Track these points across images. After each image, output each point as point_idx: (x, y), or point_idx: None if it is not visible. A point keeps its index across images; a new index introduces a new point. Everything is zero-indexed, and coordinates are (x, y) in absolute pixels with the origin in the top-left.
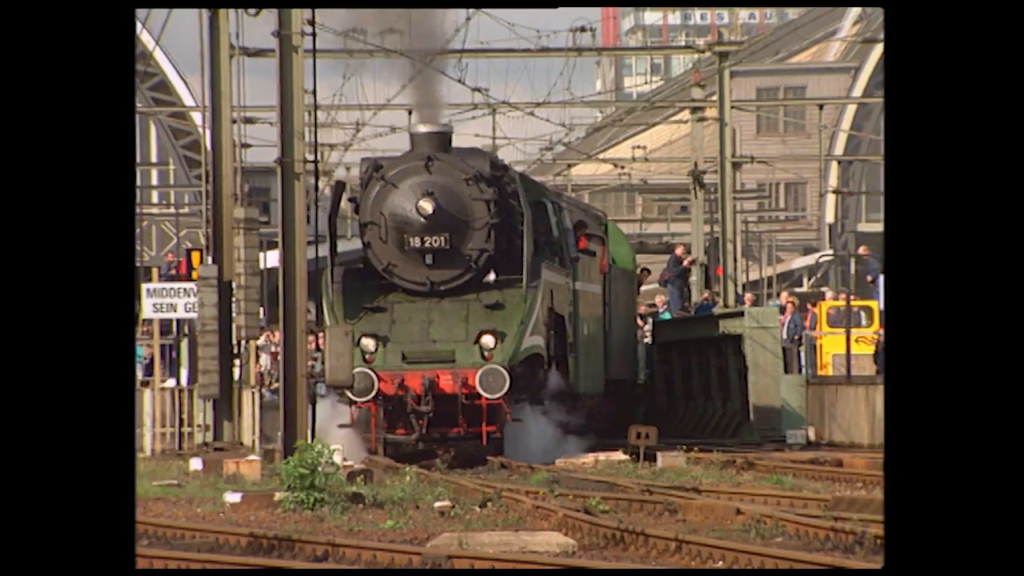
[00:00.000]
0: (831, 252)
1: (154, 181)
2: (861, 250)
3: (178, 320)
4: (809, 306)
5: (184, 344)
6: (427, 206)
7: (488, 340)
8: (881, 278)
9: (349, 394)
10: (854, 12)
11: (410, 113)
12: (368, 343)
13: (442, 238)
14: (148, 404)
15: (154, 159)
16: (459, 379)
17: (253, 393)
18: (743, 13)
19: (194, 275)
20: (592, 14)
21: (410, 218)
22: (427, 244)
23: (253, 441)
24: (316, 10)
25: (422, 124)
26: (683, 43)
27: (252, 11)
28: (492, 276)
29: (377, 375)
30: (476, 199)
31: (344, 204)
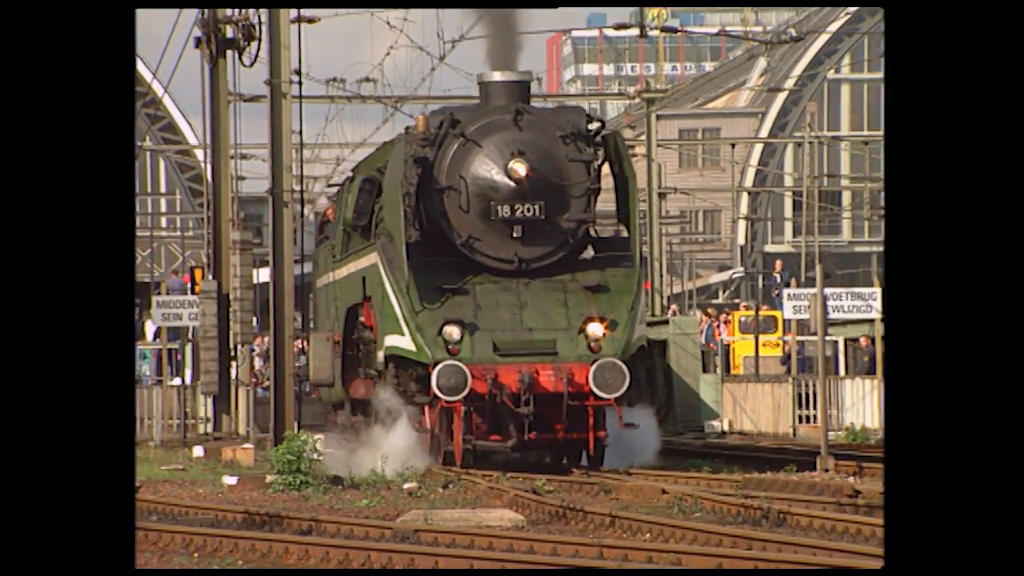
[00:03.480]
0: (742, 269)
1: (163, 208)
2: (777, 265)
3: (183, 327)
4: (709, 316)
5: (188, 348)
6: (520, 168)
7: (596, 329)
8: (785, 291)
9: (438, 392)
10: (760, 65)
11: None
12: (452, 331)
13: (536, 207)
14: (157, 400)
15: (163, 190)
16: (563, 375)
17: (248, 390)
18: (667, 66)
19: (197, 289)
20: (539, 65)
21: (498, 182)
22: (518, 213)
23: (248, 431)
24: (304, 55)
25: (498, 71)
26: (616, 91)
27: (247, 63)
28: (590, 252)
29: (469, 370)
30: (574, 160)
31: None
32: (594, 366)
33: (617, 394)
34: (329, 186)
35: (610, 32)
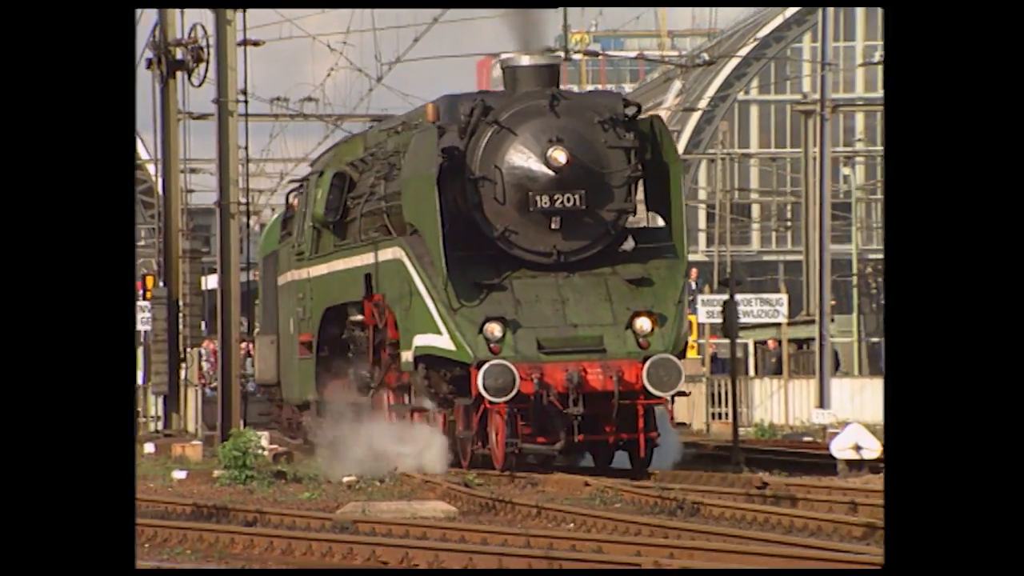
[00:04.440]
0: None
1: None
2: (692, 273)
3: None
4: None
5: (140, 351)
6: (560, 156)
7: (645, 324)
8: (699, 297)
9: (484, 393)
10: (676, 87)
11: None
12: (494, 328)
13: (576, 196)
14: None
15: None
16: (612, 373)
17: (196, 390)
18: (589, 87)
19: (148, 295)
20: (470, 85)
21: (536, 172)
22: (557, 204)
23: (196, 429)
24: (249, 76)
25: (527, 55)
26: None
27: (196, 83)
28: (630, 243)
29: (517, 369)
30: (613, 147)
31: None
32: (648, 363)
33: (672, 392)
34: (291, 181)
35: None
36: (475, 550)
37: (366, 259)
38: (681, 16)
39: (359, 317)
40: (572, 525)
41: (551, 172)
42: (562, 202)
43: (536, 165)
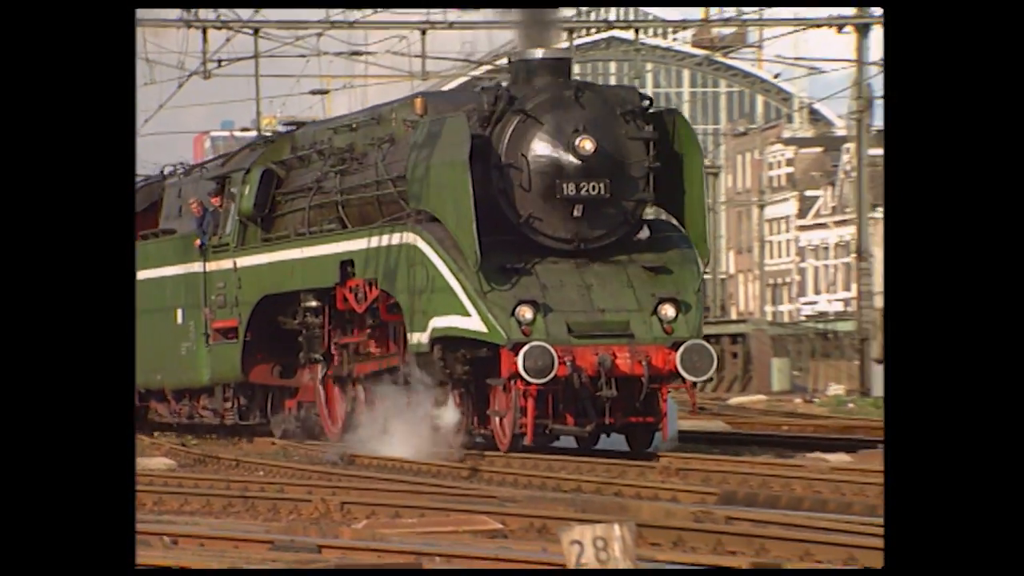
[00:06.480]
0: None
1: None
2: None
3: None
4: None
5: None
6: (587, 145)
7: (670, 310)
8: None
9: (525, 375)
10: None
11: None
12: (526, 311)
13: (601, 184)
14: None
15: None
16: (640, 357)
17: None
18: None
19: None
20: (187, 157)
21: (563, 160)
22: (583, 192)
23: None
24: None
25: (539, 48)
26: None
27: None
28: (646, 232)
29: (556, 351)
30: (634, 138)
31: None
32: (682, 348)
33: (704, 377)
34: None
35: (238, 133)
36: (189, 492)
37: (344, 246)
38: (340, 106)
39: (314, 303)
40: (262, 472)
41: (577, 161)
42: (587, 190)
43: (563, 154)
